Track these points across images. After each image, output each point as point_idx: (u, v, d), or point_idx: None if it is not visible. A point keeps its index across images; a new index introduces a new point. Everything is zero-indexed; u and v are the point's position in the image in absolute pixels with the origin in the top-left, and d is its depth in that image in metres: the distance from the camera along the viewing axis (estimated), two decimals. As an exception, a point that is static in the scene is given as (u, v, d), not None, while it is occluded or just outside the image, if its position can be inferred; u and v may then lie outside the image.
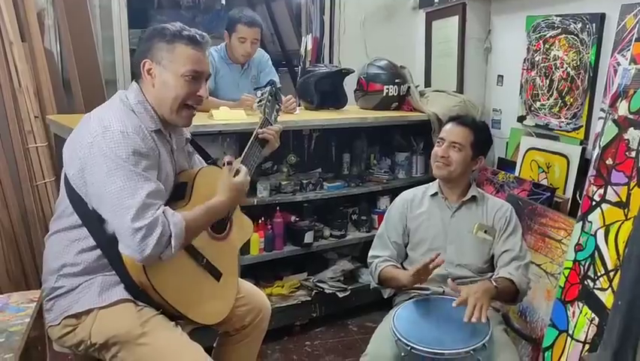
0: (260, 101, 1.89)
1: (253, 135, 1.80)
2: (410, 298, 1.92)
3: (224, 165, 1.71)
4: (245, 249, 2.58)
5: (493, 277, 1.90)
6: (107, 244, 1.50)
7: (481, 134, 2.06)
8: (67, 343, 1.56)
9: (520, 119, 2.83)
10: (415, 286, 1.89)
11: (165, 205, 1.51)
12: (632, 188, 1.78)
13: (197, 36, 1.58)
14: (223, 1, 5.24)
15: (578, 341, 1.86)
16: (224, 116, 2.43)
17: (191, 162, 1.82)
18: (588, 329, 1.82)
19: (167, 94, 1.56)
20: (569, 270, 1.98)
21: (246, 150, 1.77)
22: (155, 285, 1.49)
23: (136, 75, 1.61)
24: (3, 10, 2.50)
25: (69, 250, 1.55)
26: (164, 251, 1.43)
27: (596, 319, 1.80)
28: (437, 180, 2.08)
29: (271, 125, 1.88)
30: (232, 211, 1.77)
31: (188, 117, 1.62)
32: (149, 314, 1.54)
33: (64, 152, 1.58)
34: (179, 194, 1.63)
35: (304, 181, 2.79)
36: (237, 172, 1.66)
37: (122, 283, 1.54)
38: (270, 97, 1.90)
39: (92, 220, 1.51)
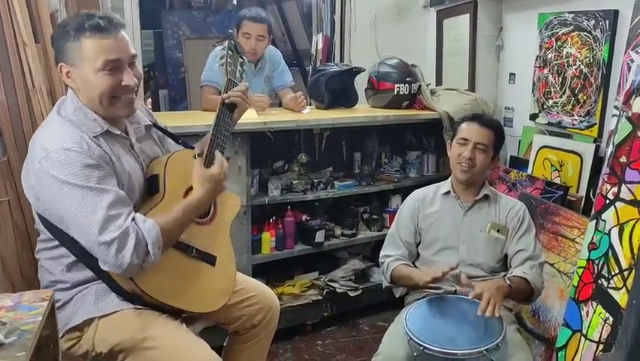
0: (221, 58, 1.68)
1: (220, 102, 1.65)
2: (422, 298, 1.91)
3: (194, 157, 1.60)
4: (256, 248, 2.59)
5: (507, 275, 1.89)
6: (88, 259, 1.46)
7: (499, 134, 2.05)
8: (75, 354, 1.54)
9: (533, 117, 2.80)
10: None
11: (141, 202, 1.47)
12: (647, 186, 1.76)
13: (101, 22, 1.42)
14: (234, 2, 5.25)
15: (592, 340, 1.84)
16: (235, 115, 2.43)
17: (165, 146, 1.75)
18: (602, 328, 1.81)
19: (93, 92, 1.45)
20: (582, 269, 1.97)
21: (214, 119, 1.62)
22: (147, 290, 1.46)
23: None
24: (17, 11, 2.52)
25: (56, 266, 1.54)
26: (145, 259, 1.39)
27: (610, 318, 1.78)
28: (450, 178, 2.07)
29: (236, 84, 1.69)
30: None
31: (126, 105, 1.51)
32: (150, 317, 1.52)
33: (22, 181, 1.52)
34: (152, 188, 1.56)
35: (315, 180, 2.78)
36: (212, 160, 1.57)
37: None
38: (229, 52, 1.68)
39: (67, 239, 1.47)
